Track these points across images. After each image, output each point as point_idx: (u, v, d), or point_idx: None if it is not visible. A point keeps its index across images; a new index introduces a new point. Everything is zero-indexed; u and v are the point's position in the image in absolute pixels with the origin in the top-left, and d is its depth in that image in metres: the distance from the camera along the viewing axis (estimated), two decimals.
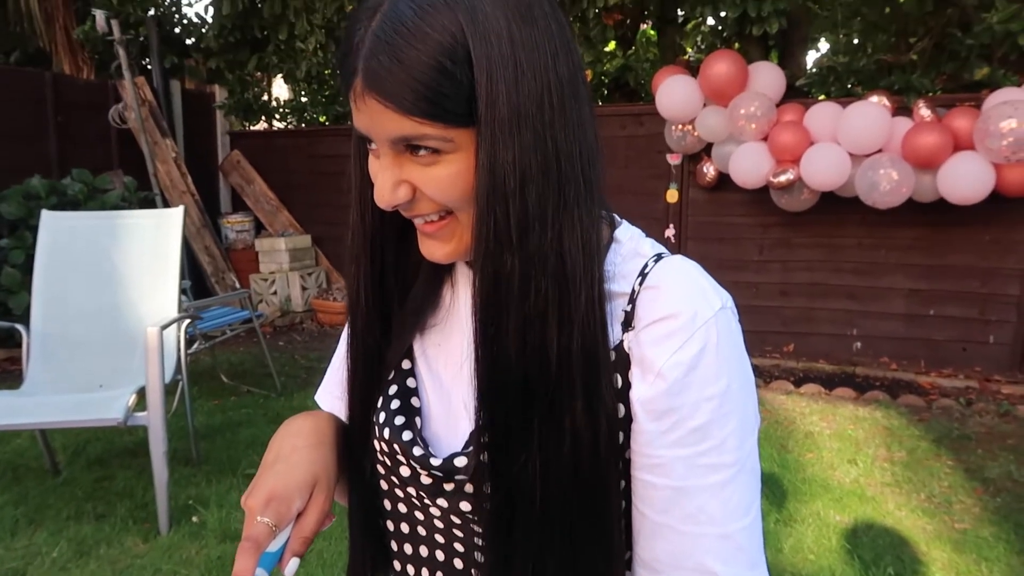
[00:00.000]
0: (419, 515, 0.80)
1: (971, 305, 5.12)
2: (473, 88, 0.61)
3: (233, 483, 3.33)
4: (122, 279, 3.56)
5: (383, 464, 0.80)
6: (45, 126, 6.37)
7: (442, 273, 0.82)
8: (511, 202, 0.63)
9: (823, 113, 4.96)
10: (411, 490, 0.78)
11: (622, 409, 0.69)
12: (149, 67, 7.34)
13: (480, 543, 0.75)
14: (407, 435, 0.77)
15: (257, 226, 7.38)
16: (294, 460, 0.75)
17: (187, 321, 3.49)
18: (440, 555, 0.80)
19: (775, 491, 3.31)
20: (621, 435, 0.69)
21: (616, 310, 0.70)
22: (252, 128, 8.08)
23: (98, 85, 7.00)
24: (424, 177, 0.66)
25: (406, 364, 0.81)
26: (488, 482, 0.70)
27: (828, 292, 5.49)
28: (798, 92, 5.55)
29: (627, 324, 0.69)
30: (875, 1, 6.53)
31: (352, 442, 0.82)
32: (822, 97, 5.52)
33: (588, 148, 0.67)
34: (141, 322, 3.32)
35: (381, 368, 0.82)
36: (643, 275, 0.70)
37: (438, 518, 0.78)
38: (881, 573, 2.67)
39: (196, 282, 6.38)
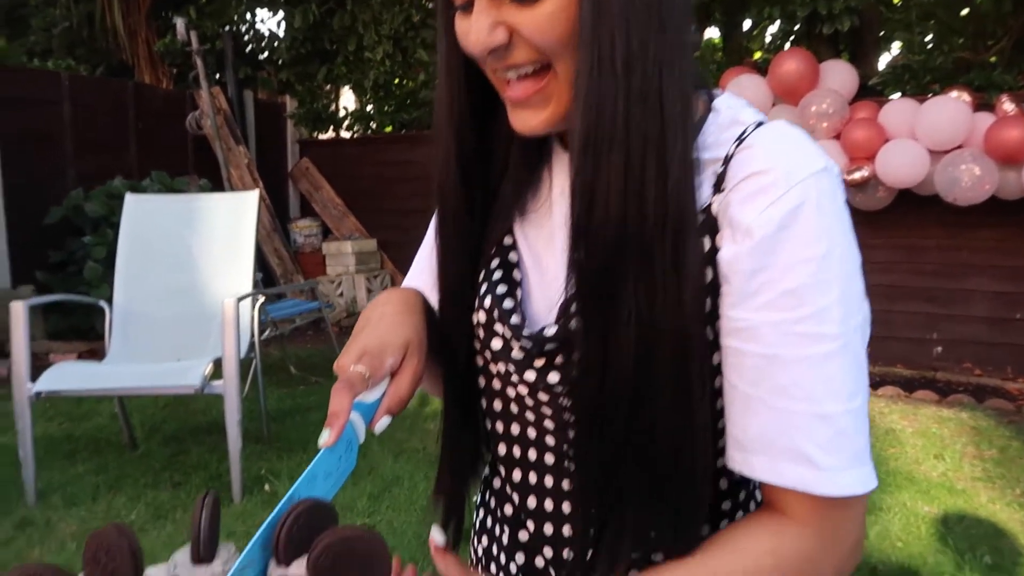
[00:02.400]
0: (510, 392, 0.78)
1: None
2: None
3: (303, 459, 3.36)
4: (199, 259, 3.65)
5: (478, 339, 0.78)
6: (127, 133, 6.66)
7: (538, 160, 0.80)
8: (616, 36, 0.61)
9: (899, 110, 4.82)
10: (501, 366, 0.77)
11: (710, 274, 0.65)
12: (224, 79, 7.61)
13: (569, 418, 0.73)
14: (508, 303, 0.76)
15: (324, 231, 7.54)
16: (384, 325, 0.74)
17: (260, 300, 3.56)
18: (532, 432, 0.78)
19: None
20: (708, 302, 0.65)
21: (708, 174, 0.67)
22: (320, 137, 8.28)
23: (176, 95, 7.29)
24: (523, 18, 0.64)
25: (507, 240, 0.80)
26: (576, 350, 0.67)
27: (907, 295, 5.29)
28: (871, 91, 5.42)
29: (718, 186, 0.66)
30: (951, 3, 6.37)
31: (445, 321, 0.81)
32: (897, 95, 5.38)
33: (684, 4, 0.65)
34: (217, 299, 3.38)
35: (475, 247, 0.81)
36: (740, 140, 0.67)
37: (528, 395, 0.76)
38: (977, 562, 2.52)
39: (266, 284, 6.52)
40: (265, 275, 6.73)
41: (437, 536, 0.78)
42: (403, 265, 7.37)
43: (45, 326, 5.53)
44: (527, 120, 0.69)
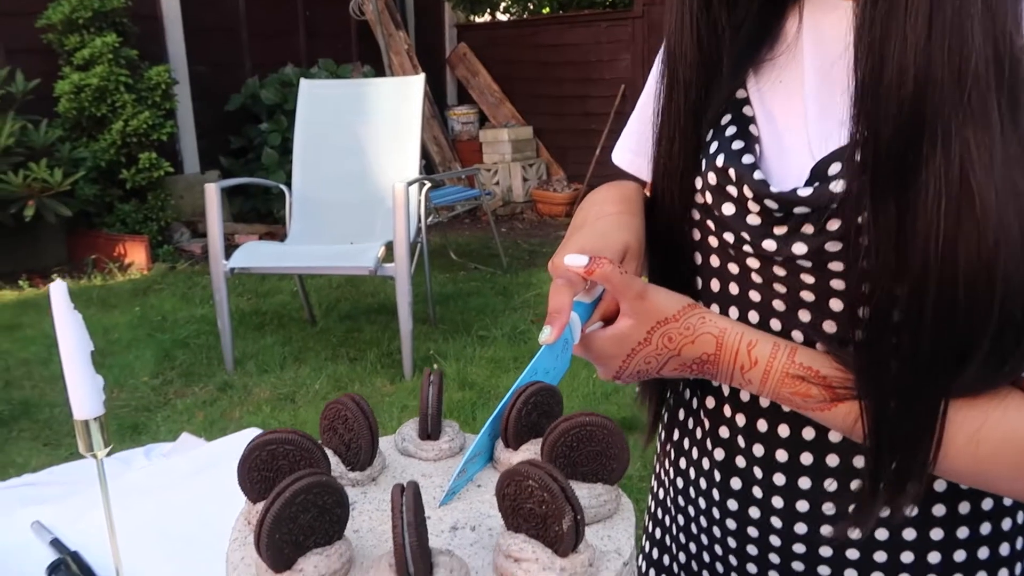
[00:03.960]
0: (732, 268, 0.71)
1: None
2: None
3: (467, 341, 3.48)
4: (368, 144, 3.75)
5: (702, 207, 0.71)
6: (296, 20, 6.84)
7: (784, 2, 0.71)
8: None
9: None
10: (728, 236, 0.69)
11: None
12: None
13: (810, 298, 0.65)
14: (747, 158, 0.68)
15: (481, 118, 7.54)
16: (601, 225, 0.70)
17: (427, 185, 3.62)
18: (754, 316, 0.71)
19: None
20: None
21: None
22: (477, 20, 8.16)
23: None
24: None
25: (740, 94, 0.72)
26: (832, 218, 0.58)
27: None
28: None
29: None
30: None
31: (659, 192, 0.75)
32: None
33: None
34: (385, 184, 3.48)
35: (700, 108, 0.72)
36: None
37: (758, 270, 0.68)
38: None
39: (426, 171, 6.67)
40: (425, 162, 6.88)
41: (575, 260, 0.65)
42: (558, 154, 7.28)
43: (230, 208, 5.96)
44: None
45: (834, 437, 0.68)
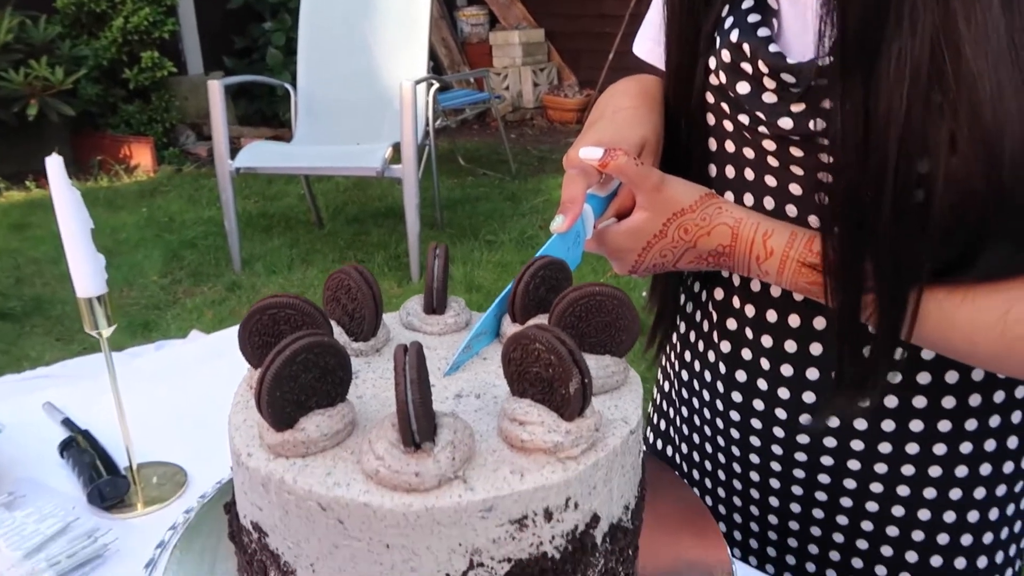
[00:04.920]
0: (748, 152, 0.68)
1: None
2: None
3: (475, 245, 3.47)
4: (374, 43, 3.64)
5: (716, 88, 0.68)
6: None
7: None
8: None
9: None
10: (743, 118, 0.66)
11: None
12: None
13: (828, 180, 0.62)
14: (763, 31, 0.64)
15: (491, 19, 7.28)
16: (620, 119, 0.68)
17: (435, 86, 3.53)
18: (769, 203, 0.68)
19: None
20: None
21: None
22: None
23: None
24: None
25: None
26: (857, 84, 0.55)
27: None
28: None
29: None
30: None
31: (673, 67, 0.73)
32: None
33: None
34: (393, 84, 3.39)
35: None
36: None
37: (775, 152, 0.65)
38: None
39: (434, 73, 6.50)
40: (433, 64, 6.70)
41: (590, 152, 0.63)
42: (570, 58, 7.06)
43: (235, 111, 5.85)
44: None
45: None
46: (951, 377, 0.67)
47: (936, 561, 0.73)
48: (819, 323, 0.68)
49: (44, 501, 0.79)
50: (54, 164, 0.72)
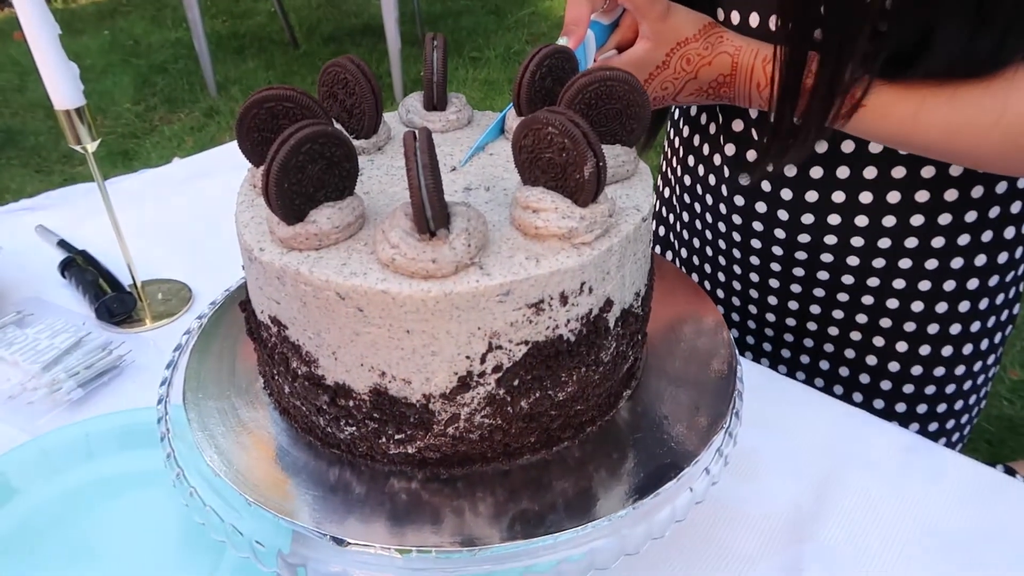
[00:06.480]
0: None
1: None
2: None
3: (459, 63, 3.33)
4: None
5: None
6: None
7: None
8: None
9: None
10: None
11: None
12: None
13: None
14: None
15: None
16: None
17: None
18: (773, 22, 0.64)
19: None
20: None
21: None
22: None
23: None
24: None
25: None
26: None
27: None
28: None
29: None
30: None
31: None
32: None
33: None
34: None
35: None
36: None
37: None
38: None
39: None
40: None
41: None
42: None
43: None
44: None
45: None
46: (955, 171, 0.67)
47: (924, 350, 0.76)
48: None
49: (53, 318, 0.80)
50: None
